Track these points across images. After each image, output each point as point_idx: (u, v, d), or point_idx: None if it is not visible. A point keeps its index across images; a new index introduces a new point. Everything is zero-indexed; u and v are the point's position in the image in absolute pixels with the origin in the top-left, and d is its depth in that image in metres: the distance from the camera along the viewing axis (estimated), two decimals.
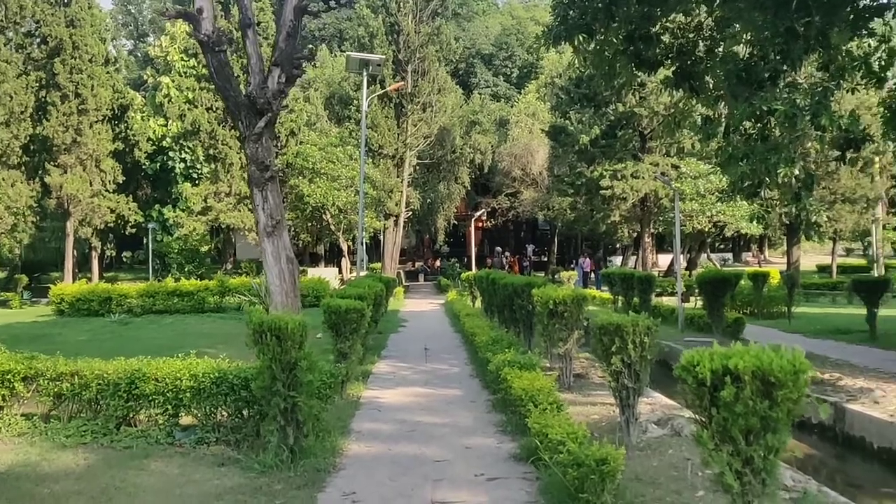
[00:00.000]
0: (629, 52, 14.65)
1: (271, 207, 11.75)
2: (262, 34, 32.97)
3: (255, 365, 7.64)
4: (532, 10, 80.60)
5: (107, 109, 39.58)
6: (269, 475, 7.03)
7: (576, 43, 13.87)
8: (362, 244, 27.70)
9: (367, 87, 31.58)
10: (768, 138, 12.30)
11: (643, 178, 33.16)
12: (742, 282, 22.38)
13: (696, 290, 26.60)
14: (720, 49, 14.67)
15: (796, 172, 11.84)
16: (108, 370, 8.79)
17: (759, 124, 12.34)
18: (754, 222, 32.76)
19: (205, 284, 25.72)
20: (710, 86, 14.81)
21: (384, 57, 27.40)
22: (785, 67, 12.25)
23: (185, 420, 8.76)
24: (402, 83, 37.32)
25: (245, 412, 8.44)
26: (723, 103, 13.57)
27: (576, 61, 34.87)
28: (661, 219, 35.62)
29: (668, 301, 26.86)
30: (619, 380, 7.77)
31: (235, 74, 12.70)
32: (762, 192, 12.54)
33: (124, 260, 58.28)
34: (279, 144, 39.85)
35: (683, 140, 34.08)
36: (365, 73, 22.98)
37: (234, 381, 8.27)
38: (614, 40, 14.66)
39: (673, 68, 15.19)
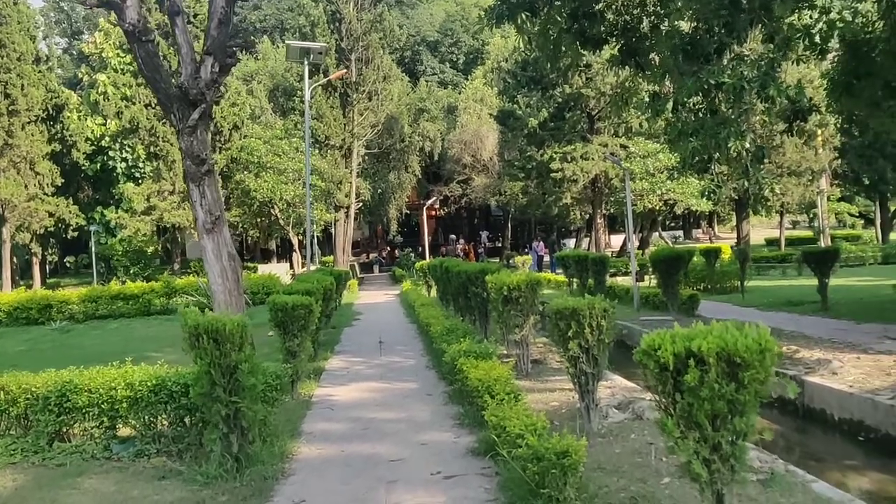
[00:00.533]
0: (573, 30, 14.40)
1: (209, 203, 11.22)
2: (198, 26, 32.02)
3: (194, 370, 7.19)
4: None
5: (39, 109, 38.24)
6: (213, 486, 6.62)
7: (519, 21, 13.55)
8: (311, 238, 27.13)
9: (311, 78, 30.93)
10: (717, 112, 12.14)
11: (593, 159, 33.10)
12: (695, 258, 22.44)
13: (650, 269, 26.71)
14: (665, 25, 14.48)
15: (747, 146, 11.69)
16: (37, 383, 8.24)
17: (706, 99, 12.16)
18: (704, 199, 32.89)
19: (150, 286, 24.87)
20: (656, 62, 14.65)
21: (325, 45, 26.79)
22: (730, 40, 12.08)
23: (124, 431, 8.27)
24: (346, 71, 36.59)
25: (187, 420, 8.00)
26: (669, 79, 13.38)
27: (521, 44, 34.74)
28: (612, 199, 35.62)
29: (622, 281, 26.87)
30: (577, 365, 7.50)
31: (169, 67, 12.07)
32: (713, 168, 12.39)
33: (68, 265, 56.66)
34: (222, 139, 38.94)
35: (631, 119, 34.11)
36: (306, 62, 22.36)
37: (174, 388, 7.82)
38: (558, 18, 14.39)
39: (618, 46, 14.99)
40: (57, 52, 79.67)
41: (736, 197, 34.43)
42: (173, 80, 11.33)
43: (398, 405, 9.86)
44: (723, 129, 11.70)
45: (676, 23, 13.54)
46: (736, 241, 38.64)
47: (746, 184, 12.54)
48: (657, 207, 34.09)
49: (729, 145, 11.69)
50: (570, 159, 32.87)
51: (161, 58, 11.94)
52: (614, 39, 15.02)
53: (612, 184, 34.07)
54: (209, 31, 11.66)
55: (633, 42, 14.83)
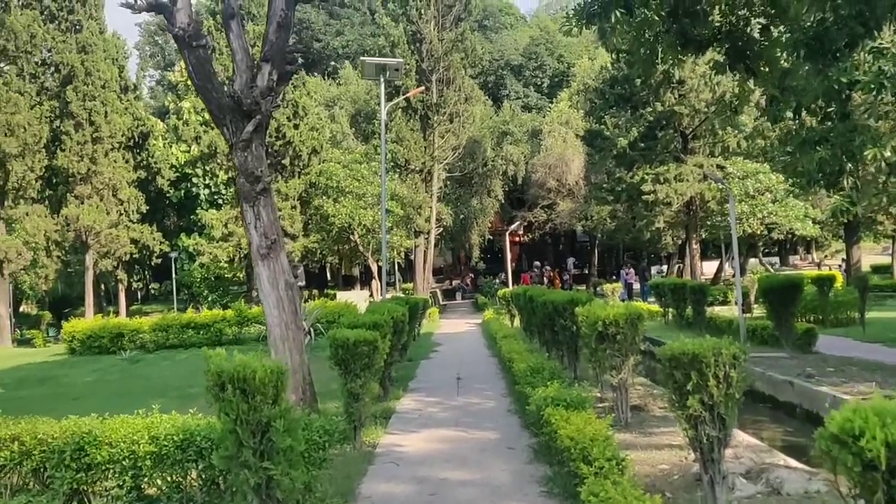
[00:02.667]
0: (673, 30, 12.78)
1: (265, 225, 10.06)
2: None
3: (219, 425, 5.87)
4: (560, 22, 78.25)
5: (122, 136, 38.52)
6: None
7: (613, 20, 11.98)
8: (386, 264, 25.95)
9: (391, 100, 30.02)
10: (848, 116, 10.31)
11: (687, 180, 31.07)
12: (805, 287, 20.24)
13: (757, 299, 24.47)
14: (778, 24, 12.70)
15: (887, 154, 9.82)
16: (54, 434, 7.10)
17: (836, 101, 10.36)
18: (810, 222, 30.50)
19: (221, 315, 24.10)
20: (769, 65, 12.87)
21: (402, 61, 25.69)
22: (865, 32, 10.28)
23: (151, 490, 7.04)
24: (423, 88, 35.48)
25: (221, 483, 6.70)
26: (789, 81, 11.59)
27: (608, 62, 33.00)
28: (708, 223, 33.38)
29: (720, 311, 24.69)
30: (699, 428, 5.86)
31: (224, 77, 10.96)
32: (844, 181, 10.54)
33: (153, 292, 57.34)
34: (301, 164, 38.40)
35: (728, 138, 31.97)
36: (383, 79, 21.33)
37: (203, 445, 6.55)
38: (656, 18, 12.80)
39: (725, 47, 13.28)
40: (150, 83, 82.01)
41: (846, 220, 31.76)
42: (226, 90, 10.23)
43: (474, 462, 8.35)
44: (857, 135, 9.87)
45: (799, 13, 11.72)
46: (844, 267, 35.77)
47: (886, 200, 10.63)
48: (757, 232, 31.71)
49: (865, 153, 9.87)
50: (662, 181, 30.92)
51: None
52: (718, 43, 13.34)
53: (709, 206, 31.89)
54: (267, 36, 10.60)
55: (742, 44, 13.12)
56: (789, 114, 10.56)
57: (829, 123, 10.20)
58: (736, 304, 28.06)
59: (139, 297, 61.17)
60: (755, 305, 26.36)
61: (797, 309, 17.02)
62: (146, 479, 6.84)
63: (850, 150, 9.91)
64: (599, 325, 9.44)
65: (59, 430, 7.15)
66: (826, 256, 60.27)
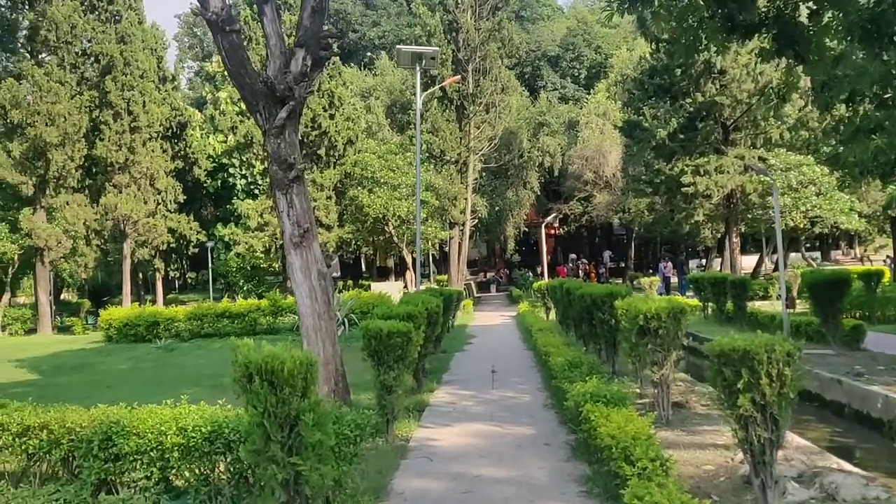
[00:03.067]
0: (718, 15, 12.34)
1: (297, 213, 9.87)
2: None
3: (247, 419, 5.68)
4: (598, 13, 77.21)
5: (160, 126, 38.74)
6: None
7: (655, 4, 11.59)
8: (420, 255, 25.72)
9: (426, 90, 29.72)
10: None
11: (728, 172, 30.36)
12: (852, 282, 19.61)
13: (800, 294, 23.89)
14: (828, 11, 12.19)
15: None
16: (82, 422, 6.98)
17: (893, 87, 9.88)
18: (856, 216, 29.63)
19: (256, 304, 24.05)
20: (819, 51, 12.37)
21: (438, 49, 25.35)
22: None
23: (179, 482, 6.89)
24: (459, 77, 35.08)
25: (250, 477, 6.51)
26: (842, 68, 11.10)
27: (648, 52, 32.37)
28: (749, 216, 32.63)
29: (760, 306, 24.10)
30: (750, 429, 5.54)
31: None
32: None
33: (190, 281, 57.79)
34: (336, 154, 38.29)
35: (771, 130, 31.22)
36: (418, 68, 21.07)
37: (232, 437, 6.36)
38: (701, 2, 12.37)
39: (773, 33, 12.78)
40: (188, 74, 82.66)
41: (893, 214, 30.94)
42: (260, 76, 10.05)
43: (510, 458, 8.09)
44: None
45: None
46: (888, 262, 34.86)
47: None
48: (800, 225, 30.90)
49: None
50: (702, 173, 30.24)
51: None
52: (765, 28, 12.86)
53: (750, 199, 31.15)
54: (301, 21, 10.40)
55: (790, 29, 12.63)
56: (841, 102, 10.10)
57: (885, 111, 9.71)
58: (779, 298, 27.56)
59: (176, 286, 61.75)
60: (798, 301, 25.79)
61: (844, 305, 16.46)
62: (174, 471, 6.68)
63: None
64: (641, 320, 9.11)
65: (88, 420, 7.02)
66: (866, 251, 58.90)
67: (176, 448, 6.51)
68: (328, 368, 9.74)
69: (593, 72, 70.65)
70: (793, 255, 49.14)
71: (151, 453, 6.59)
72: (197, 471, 6.59)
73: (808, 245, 59.79)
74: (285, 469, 5.28)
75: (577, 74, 72.99)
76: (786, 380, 5.45)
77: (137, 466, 6.75)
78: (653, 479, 5.50)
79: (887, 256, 47.88)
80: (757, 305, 24.14)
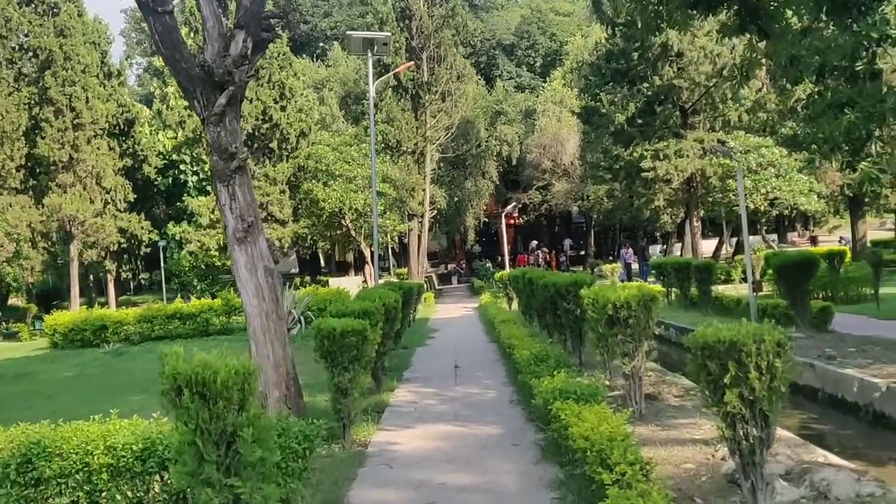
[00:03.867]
0: None
1: (241, 207, 9.20)
2: None
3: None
4: (552, 2, 76.93)
5: (105, 123, 37.41)
6: None
7: None
8: (377, 248, 25.06)
9: (380, 78, 28.99)
10: (879, 75, 9.45)
11: (687, 156, 30.14)
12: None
13: (762, 276, 23.77)
14: None
15: None
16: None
17: (864, 59, 9.47)
18: (815, 196, 29.62)
19: (208, 304, 23.14)
20: (783, 25, 11.98)
21: (390, 35, 24.69)
22: None
23: None
24: (412, 63, 34.33)
25: (189, 497, 5.85)
26: (808, 41, 10.69)
27: (603, 38, 32.02)
28: (709, 200, 32.47)
29: (723, 290, 23.88)
30: (738, 426, 5.04)
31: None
32: (871, 147, 9.65)
33: (143, 282, 56.33)
34: (289, 147, 37.36)
35: (729, 112, 31.02)
36: (370, 55, 20.37)
37: (166, 455, 5.70)
38: None
39: (735, 8, 12.37)
40: (137, 71, 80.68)
41: (851, 194, 31.04)
42: (197, 60, 9.32)
43: (476, 462, 7.53)
44: (890, 95, 9.02)
45: None
46: (851, 243, 35.00)
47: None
48: (761, 208, 30.82)
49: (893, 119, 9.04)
50: (662, 157, 29.96)
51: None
52: (727, 3, 12.45)
53: (710, 183, 30.98)
54: (241, 1, 9.67)
55: (753, 3, 12.22)
56: (810, 77, 9.69)
57: (856, 85, 9.30)
58: (742, 282, 27.44)
59: (132, 287, 60.12)
60: (762, 283, 25.71)
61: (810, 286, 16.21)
62: (103, 495, 5.99)
63: (882, 112, 9.03)
64: (609, 309, 8.61)
65: (4, 440, 6.29)
66: (812, 232, 59.42)
67: (104, 469, 5.83)
68: (279, 372, 9.10)
69: (549, 60, 70.41)
70: (752, 237, 49.39)
71: (77, 476, 5.89)
72: (129, 493, 5.91)
73: (765, 228, 60.34)
74: (222, 492, 4.65)
75: (532, 63, 72.72)
76: (776, 372, 4.97)
77: (62, 491, 6.05)
78: (633, 487, 4.98)
79: (840, 237, 48.37)
80: (720, 290, 23.93)
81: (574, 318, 12.31)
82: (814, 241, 51.91)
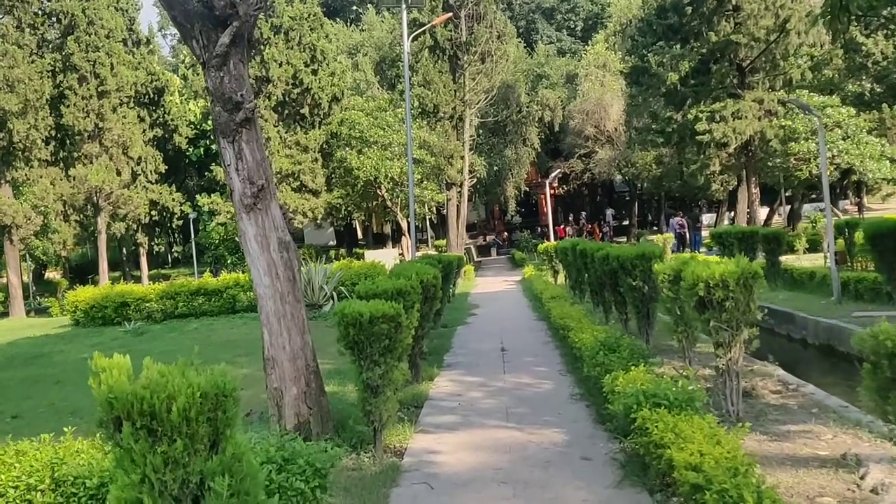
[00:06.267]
0: None
1: (249, 167, 7.64)
2: None
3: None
4: None
5: (131, 90, 36.11)
6: None
7: None
8: (414, 218, 23.45)
9: (416, 39, 27.21)
10: None
11: (746, 118, 27.98)
12: None
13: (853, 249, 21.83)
14: None
15: None
16: None
17: None
18: (889, 162, 27.27)
19: (234, 279, 21.67)
20: None
21: None
22: None
23: None
24: (450, 14, 32.21)
25: None
26: None
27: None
28: (768, 165, 30.22)
29: (786, 261, 21.91)
30: None
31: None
32: None
33: (176, 255, 55.41)
34: (321, 113, 35.76)
35: (791, 70, 28.77)
36: (404, 8, 18.70)
37: None
38: None
39: None
40: (172, 42, 79.64)
41: None
42: None
43: (539, 484, 5.97)
44: None
45: None
46: None
47: None
48: (828, 173, 28.54)
49: None
50: (718, 119, 27.83)
51: None
52: None
53: (771, 146, 28.76)
54: None
55: None
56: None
57: None
58: (805, 252, 25.44)
59: (170, 260, 59.34)
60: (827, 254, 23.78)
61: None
62: None
63: None
64: (701, 289, 6.92)
65: None
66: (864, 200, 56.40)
67: None
68: (297, 365, 7.58)
69: (590, 23, 67.97)
70: (806, 206, 46.88)
71: None
72: None
73: (813, 196, 57.60)
74: None
75: (573, 27, 70.29)
76: None
77: None
78: None
79: None
80: (786, 261, 22.00)
81: (641, 295, 10.66)
82: (860, 209, 49.04)
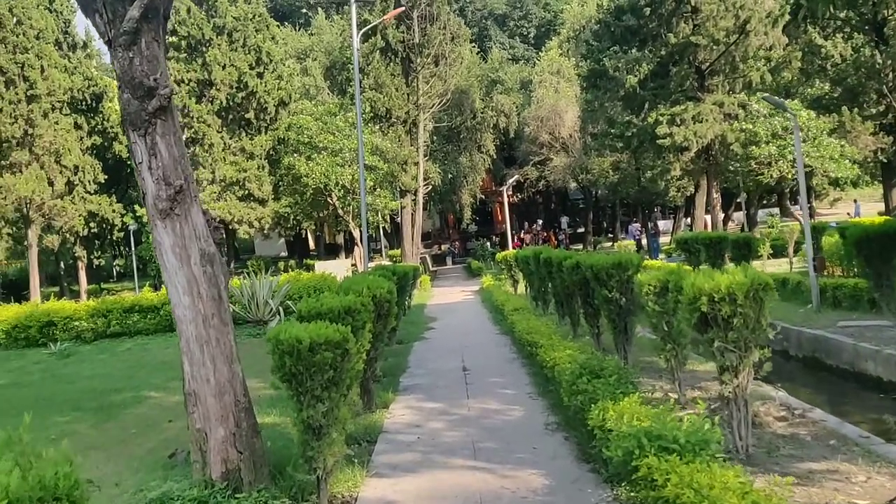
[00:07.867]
0: None
1: (164, 165, 6.37)
2: None
3: None
4: None
5: (65, 95, 34.15)
6: None
7: None
8: (367, 227, 22.21)
9: (368, 40, 26.05)
10: None
11: (707, 121, 27.33)
12: None
13: (796, 252, 21.34)
14: None
15: None
16: None
17: None
18: (849, 162, 26.80)
19: None
20: None
21: None
22: None
23: None
24: (402, 8, 30.99)
25: None
26: None
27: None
28: (729, 169, 29.61)
29: (757, 267, 21.19)
30: None
31: None
32: None
33: (117, 268, 53.12)
34: (267, 118, 34.31)
35: (751, 73, 28.23)
36: (353, 2, 17.53)
37: None
38: None
39: None
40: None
41: (884, 159, 28.41)
42: None
43: None
44: None
45: None
46: (883, 214, 32.22)
47: None
48: (788, 175, 28.03)
49: None
50: (679, 122, 27.15)
51: None
52: None
53: (732, 150, 28.13)
54: None
55: None
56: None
57: None
58: (770, 258, 24.83)
59: (115, 273, 56.85)
60: (794, 259, 23.39)
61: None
62: None
63: None
64: (704, 304, 5.86)
65: None
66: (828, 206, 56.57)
67: None
68: (224, 401, 6.31)
69: (542, 30, 67.77)
70: (761, 211, 46.76)
71: None
72: None
73: (765, 202, 57.57)
74: None
75: (525, 34, 70.06)
76: None
77: None
78: None
79: (847, 213, 45.29)
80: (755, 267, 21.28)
81: (618, 308, 9.61)
82: (811, 214, 49.01)
